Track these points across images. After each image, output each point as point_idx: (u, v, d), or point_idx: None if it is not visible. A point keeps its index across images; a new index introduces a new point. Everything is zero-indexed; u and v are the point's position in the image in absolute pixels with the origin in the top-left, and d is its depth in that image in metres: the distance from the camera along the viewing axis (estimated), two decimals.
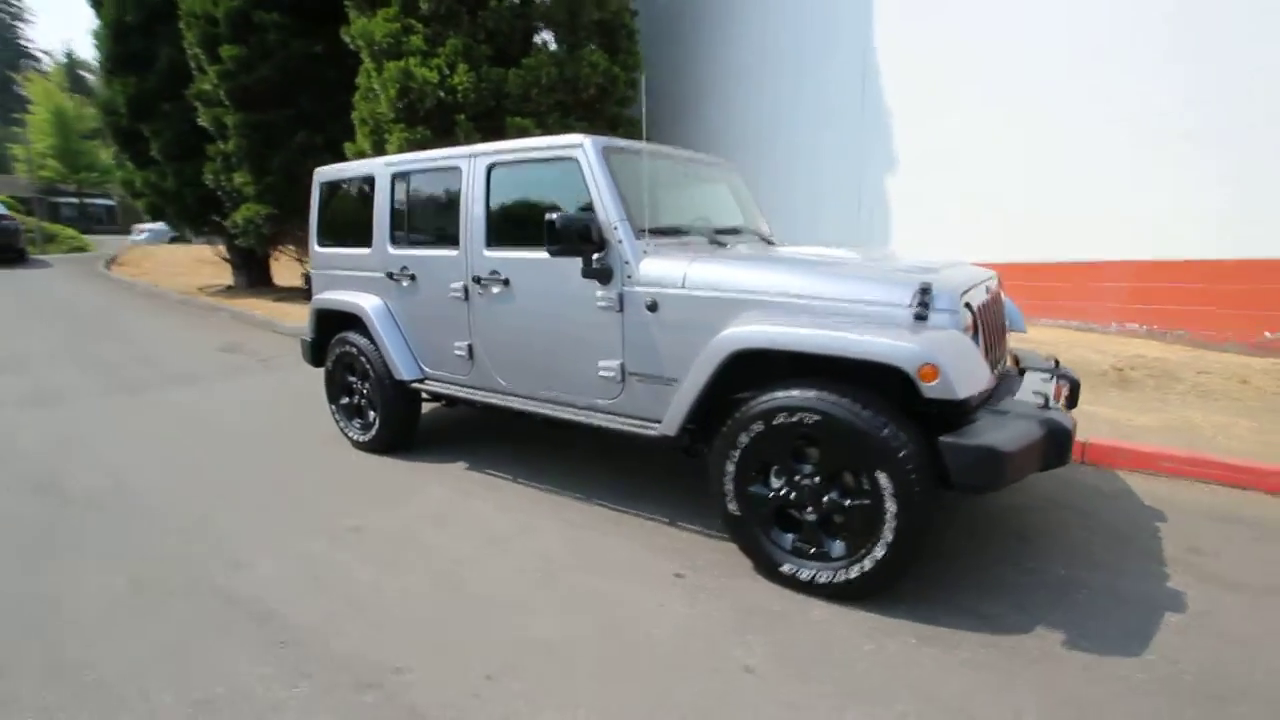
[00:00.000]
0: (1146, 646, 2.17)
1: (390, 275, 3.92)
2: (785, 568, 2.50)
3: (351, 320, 4.18)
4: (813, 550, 2.46)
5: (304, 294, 5.32)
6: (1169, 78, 5.82)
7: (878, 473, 2.23)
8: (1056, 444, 2.30)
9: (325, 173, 4.47)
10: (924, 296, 2.34)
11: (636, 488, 3.54)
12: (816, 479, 2.42)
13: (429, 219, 3.85)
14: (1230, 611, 2.37)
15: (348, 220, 4.34)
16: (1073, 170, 6.42)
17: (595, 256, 2.94)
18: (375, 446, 4.16)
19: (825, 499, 2.40)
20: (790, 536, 2.51)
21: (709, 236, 3.30)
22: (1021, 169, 6.74)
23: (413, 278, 3.81)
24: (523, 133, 7.98)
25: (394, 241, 3.93)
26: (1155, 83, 5.88)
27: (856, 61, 8.21)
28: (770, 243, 3.79)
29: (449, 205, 3.65)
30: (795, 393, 2.38)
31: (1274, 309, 5.49)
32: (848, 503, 2.35)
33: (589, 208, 3.01)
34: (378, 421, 4.09)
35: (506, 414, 3.63)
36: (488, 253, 3.42)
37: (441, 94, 7.76)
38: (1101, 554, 2.79)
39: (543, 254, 3.22)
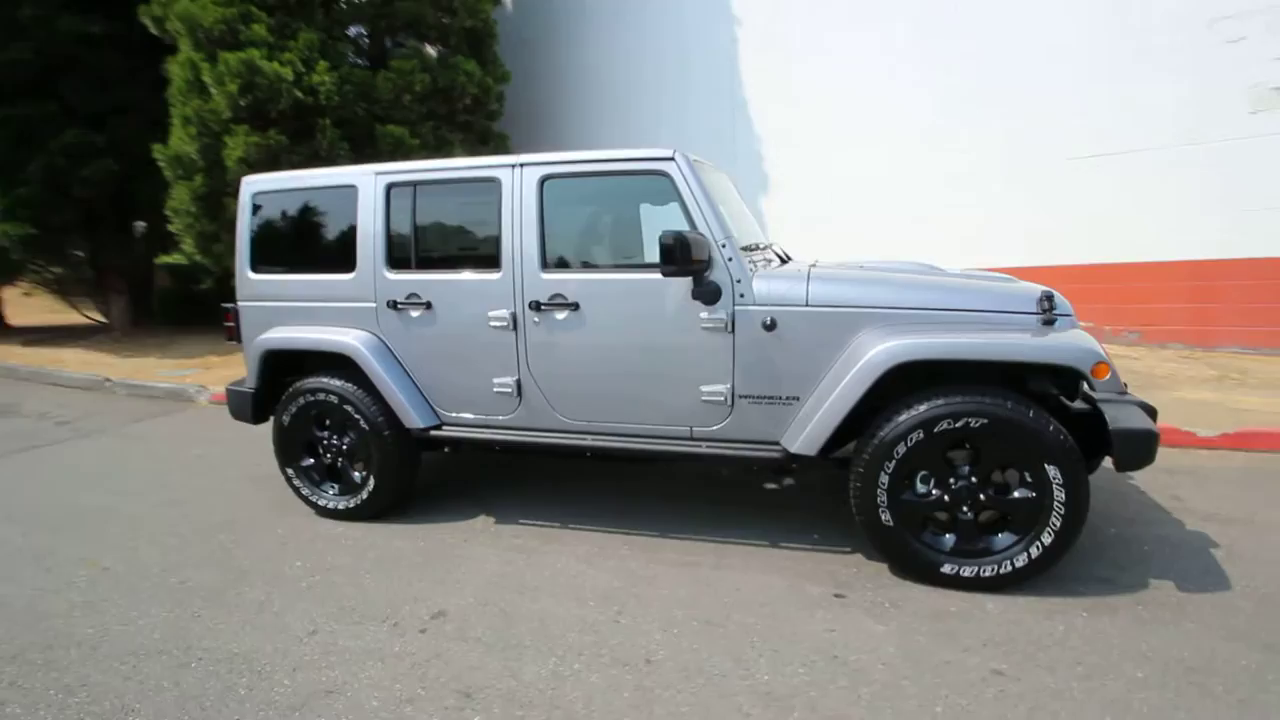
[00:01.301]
0: (1224, 576, 2.65)
1: (393, 304, 3.27)
2: (946, 568, 2.59)
3: (328, 361, 3.42)
4: (974, 547, 2.58)
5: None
6: (962, 132, 7.16)
7: (1047, 466, 2.43)
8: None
9: (257, 182, 3.59)
10: (1049, 303, 2.61)
11: (700, 515, 3.39)
12: (973, 479, 2.55)
13: (448, 238, 3.31)
14: (1239, 539, 2.99)
15: (304, 240, 3.55)
16: (890, 199, 7.59)
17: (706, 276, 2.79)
18: (364, 512, 3.43)
19: (983, 496, 2.55)
20: (949, 537, 2.61)
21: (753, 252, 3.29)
22: (848, 196, 7.82)
23: (427, 306, 3.22)
24: (398, 143, 7.24)
25: (393, 264, 3.29)
26: (949, 130, 7.22)
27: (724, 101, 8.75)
28: (788, 258, 3.90)
29: (481, 222, 3.17)
30: (957, 399, 2.49)
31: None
32: (1015, 496, 2.51)
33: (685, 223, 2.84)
34: (371, 481, 3.37)
35: (556, 454, 3.27)
36: (546, 275, 3.03)
37: (299, 94, 6.68)
38: (1123, 510, 3.34)
39: (627, 275, 2.99)
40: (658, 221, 3.10)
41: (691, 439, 2.98)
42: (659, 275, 2.84)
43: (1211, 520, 3.18)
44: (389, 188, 3.27)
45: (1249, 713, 1.91)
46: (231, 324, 3.69)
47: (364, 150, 7.40)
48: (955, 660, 2.19)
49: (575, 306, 3.00)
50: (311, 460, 3.54)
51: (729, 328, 2.83)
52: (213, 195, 7.33)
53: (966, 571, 2.57)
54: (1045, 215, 6.89)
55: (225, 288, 12.41)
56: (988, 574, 2.55)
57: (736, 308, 2.81)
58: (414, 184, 3.25)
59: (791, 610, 2.52)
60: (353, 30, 8.11)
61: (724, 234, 2.83)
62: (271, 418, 3.58)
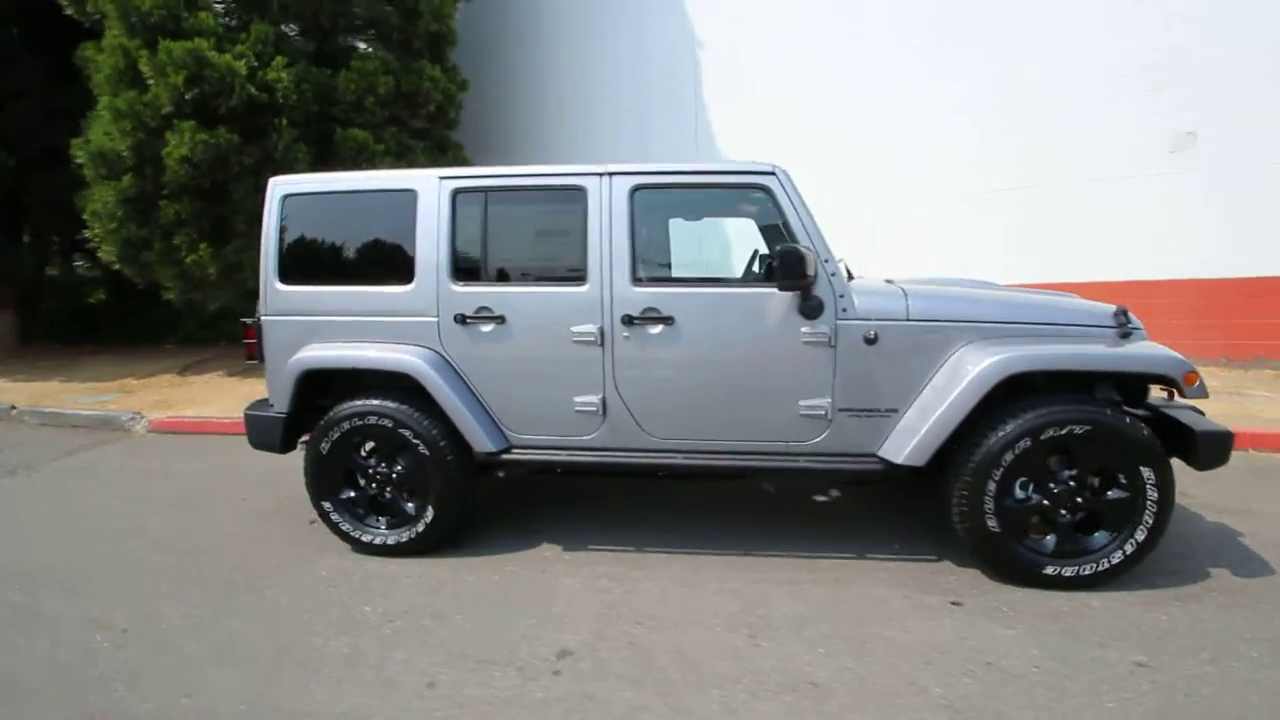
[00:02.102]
0: (1264, 561, 2.95)
1: (461, 319, 3.03)
2: (1049, 570, 2.71)
3: (367, 381, 3.12)
4: (1074, 548, 2.73)
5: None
6: (926, 143, 7.73)
7: (1142, 468, 2.61)
8: None
9: (287, 184, 3.24)
10: (1124, 317, 2.83)
11: (768, 531, 3.37)
12: (1071, 483, 2.70)
13: (523, 248, 3.12)
14: (1259, 529, 3.34)
15: (347, 249, 3.23)
16: (850, 208, 8.03)
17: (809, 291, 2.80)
18: (417, 546, 3.14)
19: (1079, 499, 2.70)
20: (1050, 539, 2.74)
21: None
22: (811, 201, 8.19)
23: (500, 320, 3.02)
24: (361, 149, 6.81)
25: (459, 276, 3.06)
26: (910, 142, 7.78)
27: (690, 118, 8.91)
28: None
29: (562, 232, 3.02)
30: (1060, 408, 2.63)
31: None
32: (1110, 497, 2.68)
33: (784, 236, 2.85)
34: (430, 512, 3.09)
35: (638, 474, 3.15)
36: (639, 289, 2.93)
37: (253, 89, 6.14)
38: None
39: (728, 289, 2.97)
40: (708, 236, 3.09)
41: (787, 454, 2.96)
42: (761, 289, 2.83)
43: (1225, 513, 3.54)
44: (455, 194, 3.05)
45: None
46: (253, 341, 3.28)
47: (324, 155, 6.89)
48: (1098, 657, 2.29)
49: (670, 321, 2.91)
50: (353, 492, 3.20)
51: (831, 342, 2.85)
52: (144, 197, 6.54)
53: (1067, 571, 2.70)
54: (991, 232, 7.49)
55: (126, 300, 11.13)
56: (1086, 572, 2.70)
57: (839, 322, 2.84)
58: (484, 190, 3.05)
59: (920, 621, 2.55)
60: (302, 28, 7.56)
61: (825, 249, 2.85)
62: (303, 446, 3.21)
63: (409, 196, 3.09)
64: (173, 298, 7.21)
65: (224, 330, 9.73)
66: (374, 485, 3.18)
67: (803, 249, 2.67)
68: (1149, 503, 2.63)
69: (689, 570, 3.00)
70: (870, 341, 2.84)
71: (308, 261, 3.23)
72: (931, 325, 2.83)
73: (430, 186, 3.07)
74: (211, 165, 6.20)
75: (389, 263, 3.13)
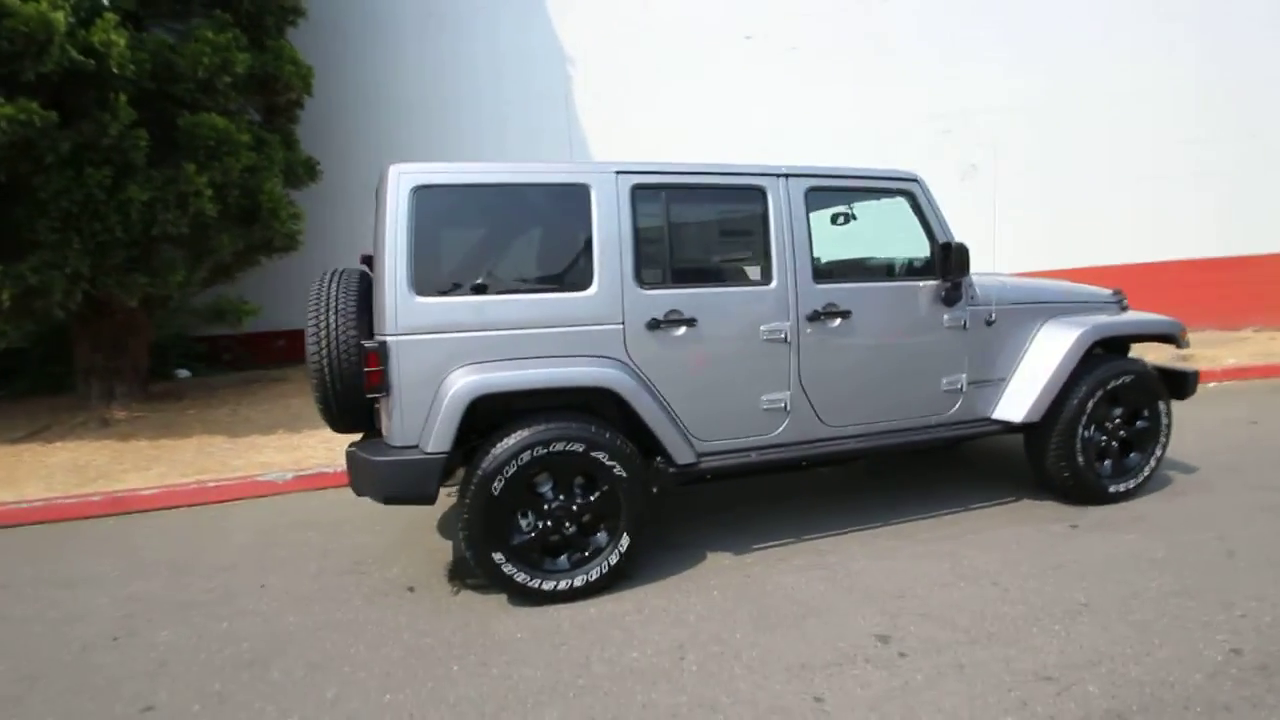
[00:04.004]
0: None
1: (654, 324, 2.81)
2: (1112, 488, 3.53)
3: (552, 401, 2.74)
4: (1123, 468, 3.60)
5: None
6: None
7: (1159, 404, 3.58)
8: None
9: (416, 173, 2.65)
10: (1120, 294, 3.82)
11: (878, 501, 3.76)
12: (1119, 419, 3.57)
13: (706, 247, 3.00)
14: None
15: (502, 251, 2.76)
16: None
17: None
18: (606, 581, 2.82)
19: (1123, 432, 3.58)
20: (1109, 465, 3.57)
21: None
22: None
23: (691, 323, 2.87)
24: (222, 139, 5.56)
25: (643, 280, 2.83)
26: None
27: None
28: None
29: (743, 231, 2.99)
30: (1117, 366, 3.47)
31: None
32: (1138, 426, 3.59)
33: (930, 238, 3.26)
34: (626, 540, 2.81)
35: (810, 465, 3.28)
36: (820, 285, 3.05)
37: (74, 52, 4.66)
38: None
39: (894, 283, 3.26)
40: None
41: (930, 426, 3.37)
42: (919, 282, 3.20)
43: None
44: (634, 190, 2.83)
45: None
46: (375, 369, 2.59)
47: (170, 144, 5.35)
48: (1199, 541, 3.12)
49: (847, 315, 3.11)
50: (526, 536, 2.73)
51: (965, 325, 3.33)
52: None
53: (1122, 487, 3.57)
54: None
55: None
56: (1132, 485, 3.59)
57: (969, 308, 3.34)
58: (664, 187, 2.88)
59: (1071, 545, 3.13)
60: None
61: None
62: (462, 488, 2.65)
63: (580, 192, 2.77)
64: None
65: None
66: (549, 523, 2.76)
67: (964, 246, 3.10)
68: (1164, 428, 3.62)
69: (866, 546, 3.21)
70: (989, 323, 3.39)
71: (450, 268, 2.69)
72: (1025, 308, 3.49)
73: (606, 182, 2.80)
74: (17, 151, 4.39)
75: (556, 266, 2.78)
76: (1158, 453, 3.64)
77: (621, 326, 2.81)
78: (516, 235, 2.85)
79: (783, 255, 3.02)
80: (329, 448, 5.18)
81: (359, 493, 2.80)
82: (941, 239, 3.26)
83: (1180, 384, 3.69)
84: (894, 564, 3.03)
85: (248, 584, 3.14)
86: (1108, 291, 3.88)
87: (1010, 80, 8.41)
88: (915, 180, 3.29)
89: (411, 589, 3.00)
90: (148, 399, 6.45)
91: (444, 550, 3.38)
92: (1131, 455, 3.65)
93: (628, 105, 8.70)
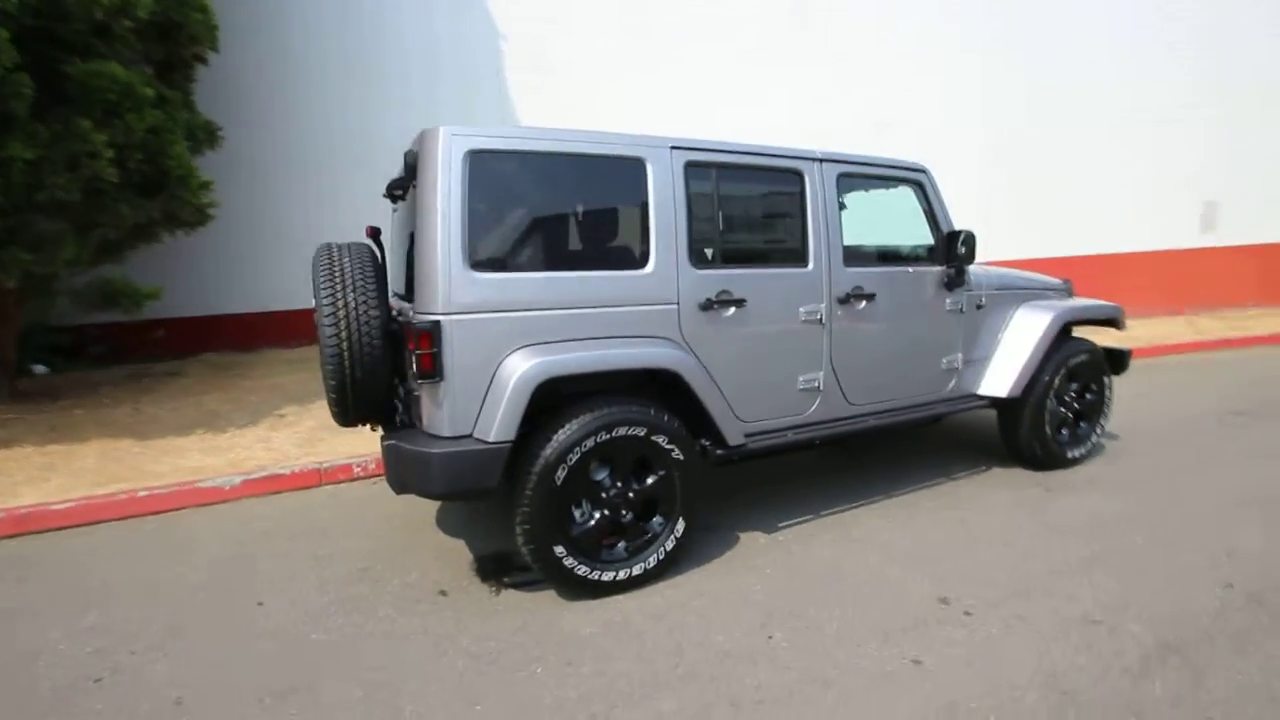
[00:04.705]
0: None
1: (707, 304, 2.76)
2: (1069, 454, 3.95)
3: (608, 384, 2.62)
4: (1076, 437, 4.04)
5: None
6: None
7: (1105, 378, 4.05)
8: None
9: (469, 136, 2.41)
10: (1069, 282, 4.27)
11: (867, 480, 3.97)
12: (1074, 394, 3.99)
13: (751, 227, 2.97)
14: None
15: (557, 224, 2.58)
16: None
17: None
18: (663, 568, 2.76)
19: (1078, 404, 4.02)
20: (1066, 433, 3.98)
21: None
22: None
23: (740, 304, 2.85)
24: (125, 93, 4.86)
25: (696, 258, 2.76)
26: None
27: None
28: None
29: (783, 214, 3.01)
30: (1074, 346, 3.88)
31: None
32: (1088, 398, 4.03)
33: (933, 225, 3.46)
34: (681, 524, 2.76)
35: (834, 442, 3.40)
36: (849, 269, 3.14)
37: None
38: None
39: (908, 267, 3.42)
40: None
41: (931, 402, 3.59)
42: (930, 268, 3.40)
43: None
44: (688, 166, 2.75)
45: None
46: (428, 351, 2.33)
47: (55, 96, 4.49)
48: (1153, 496, 3.57)
49: (872, 297, 3.23)
50: (584, 525, 2.60)
51: (962, 309, 3.58)
52: None
53: (1077, 453, 4.01)
54: None
55: None
56: (1085, 452, 4.05)
57: (966, 293, 3.59)
58: (715, 165, 2.84)
59: (1054, 507, 3.47)
60: None
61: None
62: (515, 481, 2.47)
63: (635, 166, 2.66)
64: None
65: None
66: (607, 511, 2.65)
67: (974, 234, 3.33)
68: (1107, 400, 4.11)
69: (882, 519, 3.37)
70: (980, 307, 3.67)
71: (505, 241, 2.48)
72: (1005, 293, 3.82)
73: (661, 156, 2.70)
74: None
75: (611, 243, 2.65)
76: (1103, 422, 4.13)
77: (676, 306, 2.74)
78: (571, 208, 2.68)
79: (819, 238, 3.08)
80: (266, 448, 4.65)
81: (401, 489, 2.52)
82: (946, 227, 3.49)
83: (1119, 361, 4.21)
84: (915, 532, 3.21)
85: (239, 603, 2.74)
86: (1060, 280, 4.34)
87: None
88: (924, 171, 3.48)
89: (444, 592, 2.76)
90: (16, 398, 5.40)
91: (455, 549, 3.14)
92: (1082, 425, 4.11)
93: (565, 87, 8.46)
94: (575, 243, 2.68)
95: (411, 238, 2.57)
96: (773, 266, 3.05)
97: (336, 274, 2.62)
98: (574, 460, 2.50)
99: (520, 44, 8.40)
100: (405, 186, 2.69)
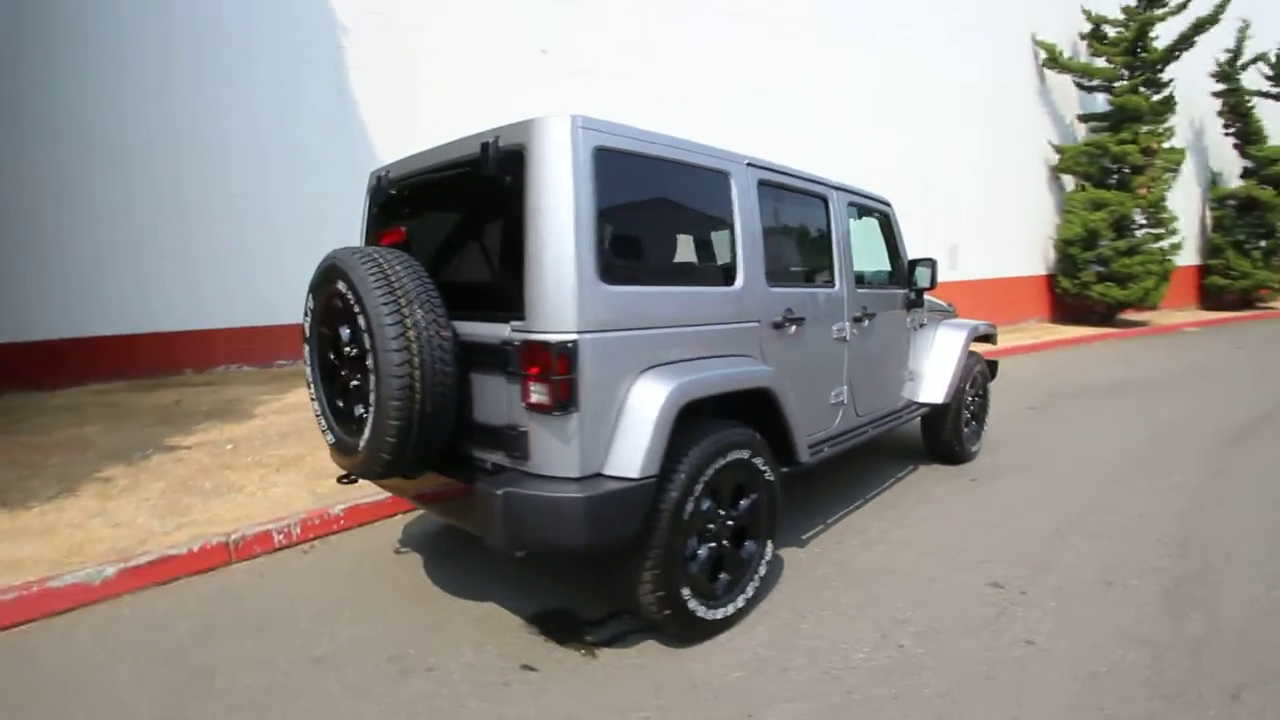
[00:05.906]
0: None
1: (779, 323, 2.74)
2: (970, 449, 4.71)
3: (718, 408, 2.48)
4: (971, 435, 4.80)
5: None
6: None
7: (987, 384, 4.90)
8: None
9: (597, 130, 2.11)
10: (952, 305, 5.09)
11: (822, 497, 4.28)
12: (970, 396, 4.76)
13: (799, 250, 3.00)
14: None
15: (668, 236, 2.36)
16: None
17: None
18: (751, 601, 2.65)
19: (972, 406, 4.80)
20: (968, 430, 4.72)
21: None
22: None
23: (799, 322, 2.89)
24: None
25: (770, 276, 2.73)
26: None
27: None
28: None
29: (817, 236, 3.13)
30: (973, 359, 4.64)
31: None
32: (978, 399, 4.85)
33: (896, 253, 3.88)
34: (769, 549, 2.69)
35: (846, 453, 3.58)
36: (859, 290, 3.38)
37: None
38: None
39: (889, 290, 3.80)
40: None
41: (897, 411, 4.00)
42: (898, 290, 3.82)
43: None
44: (760, 185, 2.74)
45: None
46: (566, 376, 1.96)
47: None
48: (1060, 476, 4.38)
49: (873, 316, 3.51)
50: (700, 552, 2.40)
51: (913, 326, 4.07)
52: None
53: (975, 449, 4.77)
54: None
55: None
56: (977, 448, 4.83)
57: (914, 311, 4.08)
58: (774, 185, 2.85)
59: (991, 493, 4.08)
60: None
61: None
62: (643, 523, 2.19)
63: (722, 180, 2.57)
64: None
65: None
66: (712, 544, 2.47)
67: (936, 261, 3.82)
68: (988, 402, 4.96)
69: (880, 519, 3.63)
70: (921, 327, 4.20)
71: (630, 252, 2.21)
72: (934, 313, 4.41)
73: (740, 171, 2.65)
74: None
75: (707, 258, 2.52)
76: (986, 420, 4.98)
77: (758, 324, 2.69)
78: (677, 219, 2.46)
79: (841, 260, 3.28)
80: (108, 524, 3.52)
81: (516, 548, 2.04)
82: (905, 255, 3.94)
83: (993, 370, 5.12)
84: (920, 527, 3.52)
85: None
86: (948, 303, 5.15)
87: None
88: (888, 204, 3.91)
89: (529, 667, 2.31)
90: None
91: (492, 615, 2.67)
92: (973, 424, 4.90)
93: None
94: (682, 256, 2.49)
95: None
96: (814, 287, 3.16)
97: (393, 286, 2.10)
98: (699, 490, 2.30)
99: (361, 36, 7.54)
100: (491, 183, 2.22)
